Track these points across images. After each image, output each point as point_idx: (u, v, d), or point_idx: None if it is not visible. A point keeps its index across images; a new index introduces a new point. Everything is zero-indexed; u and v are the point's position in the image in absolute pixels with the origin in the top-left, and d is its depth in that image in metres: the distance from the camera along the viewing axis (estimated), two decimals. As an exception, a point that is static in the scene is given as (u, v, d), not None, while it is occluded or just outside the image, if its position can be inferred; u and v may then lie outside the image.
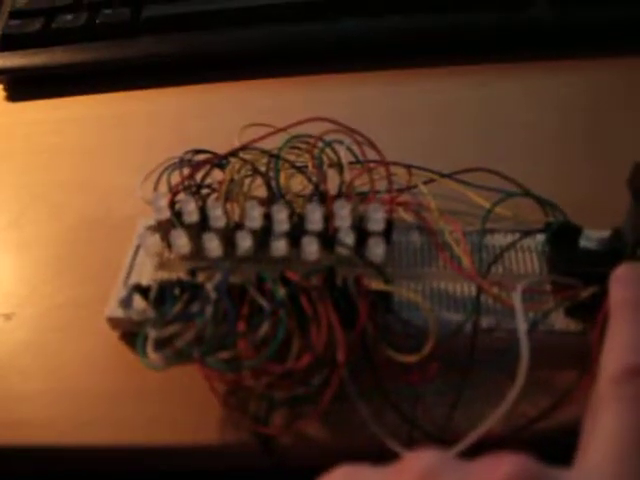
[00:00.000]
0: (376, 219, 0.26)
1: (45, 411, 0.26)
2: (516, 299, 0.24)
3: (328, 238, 0.26)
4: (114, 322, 0.27)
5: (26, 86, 0.43)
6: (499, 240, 0.28)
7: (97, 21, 0.42)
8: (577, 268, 0.26)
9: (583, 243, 0.27)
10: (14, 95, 0.43)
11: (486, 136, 0.36)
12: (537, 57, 0.40)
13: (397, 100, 0.39)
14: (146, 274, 0.28)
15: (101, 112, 0.40)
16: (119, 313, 0.26)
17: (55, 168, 0.37)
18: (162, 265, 0.28)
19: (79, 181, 0.36)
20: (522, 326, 0.23)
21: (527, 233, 0.28)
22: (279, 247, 0.26)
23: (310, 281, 0.25)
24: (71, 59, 0.41)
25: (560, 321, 0.25)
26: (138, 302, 0.26)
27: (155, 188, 0.29)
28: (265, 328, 0.24)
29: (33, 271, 0.31)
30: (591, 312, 0.25)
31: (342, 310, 0.24)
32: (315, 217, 0.26)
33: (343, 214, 0.26)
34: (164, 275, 0.28)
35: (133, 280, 0.27)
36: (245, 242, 0.25)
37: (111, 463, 0.26)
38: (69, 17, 0.43)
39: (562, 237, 0.27)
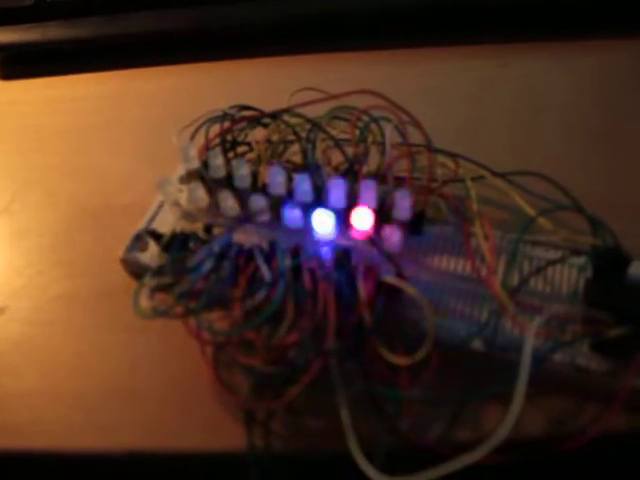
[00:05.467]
0: (401, 207, 0.24)
1: (38, 414, 0.24)
2: (531, 331, 0.21)
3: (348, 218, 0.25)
4: (125, 263, 0.27)
5: (19, 64, 0.41)
6: (539, 254, 0.25)
7: (95, -6, 0.40)
8: (615, 302, 0.23)
9: (632, 274, 0.24)
10: (6, 73, 0.41)
11: (521, 121, 0.33)
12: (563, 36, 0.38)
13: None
14: (168, 223, 0.27)
15: (99, 91, 0.38)
16: (129, 255, 0.26)
17: (50, 151, 0.35)
18: (186, 217, 0.27)
19: (75, 165, 0.34)
20: (527, 361, 0.20)
21: (572, 252, 0.25)
22: (292, 218, 0.25)
23: (318, 258, 0.23)
24: (66, 35, 0.39)
25: (583, 356, 0.23)
26: (153, 248, 0.27)
27: (192, 138, 0.28)
28: (260, 296, 0.23)
29: (27, 261, 0.29)
30: (620, 353, 0.23)
31: (344, 296, 0.23)
32: (336, 194, 0.24)
33: (368, 196, 0.24)
34: (185, 227, 0.27)
35: (153, 226, 0.27)
36: (258, 206, 0.25)
37: (107, 469, 0.25)
38: (64, -10, 0.40)
39: (608, 264, 0.24)
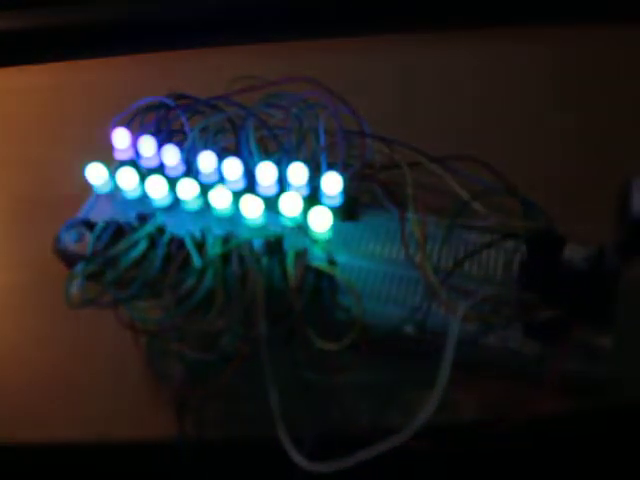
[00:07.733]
0: (332, 193, 0.24)
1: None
2: (457, 314, 0.21)
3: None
4: (57, 254, 0.26)
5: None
6: (474, 238, 0.25)
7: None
8: (547, 285, 0.23)
9: (567, 257, 0.24)
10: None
11: (462, 108, 0.34)
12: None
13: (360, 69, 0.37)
14: (104, 213, 0.27)
15: (40, 83, 0.38)
16: (60, 245, 0.26)
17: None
18: (120, 206, 0.27)
19: (15, 156, 0.33)
20: (451, 344, 0.20)
21: (506, 236, 0.25)
22: (223, 204, 0.24)
23: (247, 244, 0.23)
24: (6, 26, 0.38)
25: (516, 340, 0.23)
26: (88, 238, 0.26)
27: (126, 127, 0.27)
28: (190, 283, 0.22)
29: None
30: (551, 336, 0.23)
31: (274, 282, 0.23)
32: (266, 180, 0.24)
33: (299, 182, 0.24)
34: (119, 216, 0.27)
35: (90, 216, 0.27)
36: (190, 194, 0.24)
37: (39, 461, 0.25)
38: (4, -20, 0.39)
39: (543, 246, 0.24)
